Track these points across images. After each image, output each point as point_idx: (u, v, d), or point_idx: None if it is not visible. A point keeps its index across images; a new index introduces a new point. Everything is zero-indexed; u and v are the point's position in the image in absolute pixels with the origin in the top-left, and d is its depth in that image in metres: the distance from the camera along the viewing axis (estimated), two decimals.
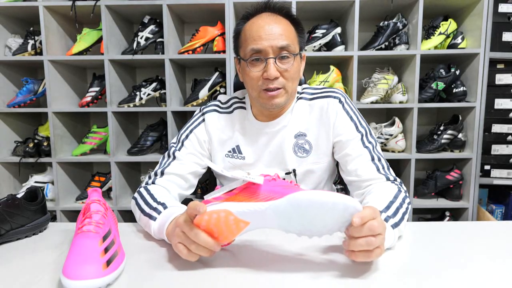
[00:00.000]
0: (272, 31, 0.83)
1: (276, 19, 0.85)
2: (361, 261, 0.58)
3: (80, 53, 1.78)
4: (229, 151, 0.97)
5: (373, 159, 0.87)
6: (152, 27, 1.79)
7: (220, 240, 0.59)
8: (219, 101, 1.02)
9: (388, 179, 0.85)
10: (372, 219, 0.56)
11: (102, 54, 1.73)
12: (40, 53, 1.78)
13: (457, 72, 1.78)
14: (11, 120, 1.90)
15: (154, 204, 0.77)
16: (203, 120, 0.98)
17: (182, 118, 1.98)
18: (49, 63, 1.75)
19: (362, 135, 0.90)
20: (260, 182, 0.61)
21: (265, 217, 0.57)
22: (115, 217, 0.73)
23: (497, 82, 1.80)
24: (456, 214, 1.91)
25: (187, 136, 0.97)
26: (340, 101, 0.92)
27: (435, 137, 1.82)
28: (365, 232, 0.55)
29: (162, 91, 1.86)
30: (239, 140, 0.96)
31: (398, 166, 1.93)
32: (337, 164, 0.99)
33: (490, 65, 1.74)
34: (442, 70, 1.78)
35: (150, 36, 1.79)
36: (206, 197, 0.61)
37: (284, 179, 0.95)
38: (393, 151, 1.85)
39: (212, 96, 1.84)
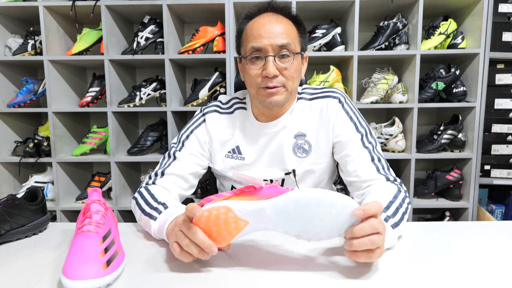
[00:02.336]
0: (273, 29, 0.83)
1: (278, 19, 0.85)
2: (362, 261, 0.58)
3: (80, 53, 1.78)
4: (229, 152, 0.97)
5: (373, 160, 0.87)
6: (152, 27, 1.79)
7: (217, 242, 0.59)
8: (220, 101, 1.02)
9: (388, 179, 0.85)
10: (373, 216, 0.56)
11: (102, 54, 1.73)
12: (40, 53, 1.78)
13: (457, 72, 1.78)
14: (11, 120, 1.90)
15: (155, 204, 0.77)
16: (204, 120, 0.98)
17: (182, 118, 1.98)
18: (49, 63, 1.75)
19: (362, 136, 0.90)
20: (261, 184, 0.62)
21: (264, 216, 0.57)
22: (115, 217, 0.73)
23: (497, 82, 1.80)
24: (456, 214, 1.91)
25: (187, 137, 0.97)
26: (340, 101, 0.92)
27: (435, 137, 1.82)
28: (367, 231, 0.55)
29: (162, 91, 1.86)
30: (239, 140, 0.96)
31: (398, 166, 1.93)
32: (337, 164, 0.99)
33: (490, 65, 1.74)
34: (442, 70, 1.78)
35: (150, 36, 1.79)
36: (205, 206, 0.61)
37: (283, 179, 0.95)
38: (393, 151, 1.85)
39: (212, 96, 1.84)
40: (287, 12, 0.88)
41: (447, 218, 1.89)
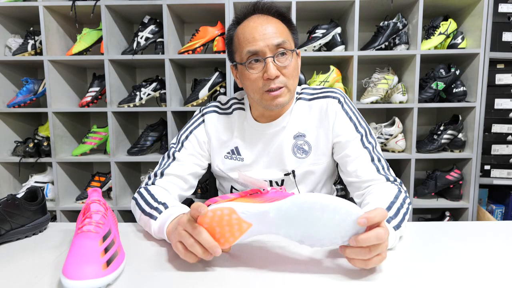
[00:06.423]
0: (265, 30, 0.82)
1: (268, 19, 0.84)
2: (359, 267, 0.58)
3: (80, 53, 1.78)
4: (228, 153, 0.96)
5: (373, 160, 0.87)
6: (152, 27, 1.79)
7: (220, 243, 0.59)
8: (219, 102, 1.02)
9: (388, 179, 0.85)
10: (377, 224, 0.55)
11: (102, 54, 1.73)
12: (40, 53, 1.78)
13: (457, 72, 1.79)
14: (11, 120, 1.90)
15: (155, 204, 0.77)
16: (203, 121, 0.98)
17: (182, 118, 1.98)
18: (49, 63, 1.75)
19: (361, 136, 0.89)
20: (267, 187, 0.62)
21: (267, 219, 0.57)
22: (115, 217, 0.73)
23: (497, 82, 1.80)
24: (456, 214, 1.91)
25: (186, 137, 0.96)
26: (340, 101, 0.92)
27: (435, 137, 1.82)
28: (372, 241, 0.54)
29: (162, 91, 1.86)
30: (238, 141, 0.96)
31: (398, 166, 1.93)
32: (337, 165, 0.99)
33: (490, 65, 1.75)
34: (442, 70, 1.78)
35: (150, 36, 1.79)
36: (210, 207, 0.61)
37: (282, 180, 0.95)
38: (393, 151, 1.85)
39: (212, 96, 1.84)
40: (273, 11, 0.86)
41: (447, 218, 1.89)
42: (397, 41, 1.77)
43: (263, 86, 0.83)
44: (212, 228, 0.58)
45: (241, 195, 0.63)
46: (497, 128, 1.83)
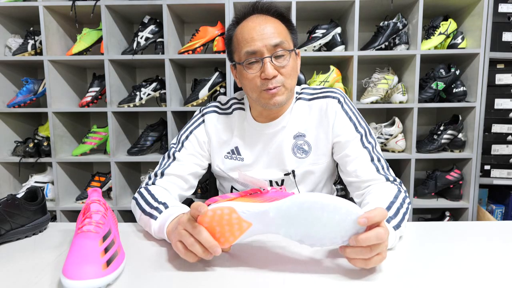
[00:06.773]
0: (264, 30, 0.82)
1: (266, 19, 0.85)
2: (359, 267, 0.58)
3: (80, 53, 1.78)
4: (228, 153, 0.97)
5: (372, 160, 0.87)
6: (152, 27, 1.79)
7: (220, 242, 0.59)
8: (219, 102, 1.02)
9: (387, 179, 0.85)
10: (377, 224, 0.55)
11: (102, 54, 1.73)
12: (40, 53, 1.78)
13: (457, 72, 1.79)
14: (11, 120, 1.90)
15: (155, 204, 0.77)
16: (203, 121, 0.98)
17: (182, 118, 1.98)
18: (49, 63, 1.75)
19: (361, 136, 0.89)
20: (267, 187, 0.62)
21: (267, 218, 0.57)
22: (115, 217, 0.73)
23: (497, 82, 1.80)
24: (456, 214, 1.91)
25: (187, 137, 0.97)
26: (339, 101, 0.92)
27: (435, 137, 1.82)
28: (372, 241, 0.54)
29: (162, 91, 1.86)
30: (238, 141, 0.96)
31: (398, 166, 1.93)
32: (337, 164, 0.99)
33: (490, 65, 1.75)
34: (442, 70, 1.78)
35: (150, 36, 1.79)
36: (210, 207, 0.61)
37: (282, 180, 0.95)
38: (393, 151, 1.85)
39: (212, 96, 1.84)
40: (272, 11, 0.87)
41: (447, 218, 1.89)
42: (397, 41, 1.77)
43: (261, 85, 0.84)
44: (212, 227, 0.58)
45: (241, 194, 0.63)
46: (497, 128, 1.83)
